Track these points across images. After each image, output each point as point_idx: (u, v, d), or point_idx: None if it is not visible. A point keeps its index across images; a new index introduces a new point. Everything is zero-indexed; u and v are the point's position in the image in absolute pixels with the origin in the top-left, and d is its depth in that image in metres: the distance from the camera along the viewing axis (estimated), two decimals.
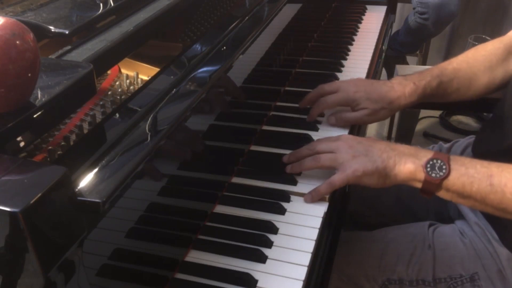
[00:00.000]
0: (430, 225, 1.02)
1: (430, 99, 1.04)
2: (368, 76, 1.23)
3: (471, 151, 1.10)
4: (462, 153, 1.15)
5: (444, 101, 1.08)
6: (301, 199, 0.86)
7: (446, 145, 1.20)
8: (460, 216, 1.04)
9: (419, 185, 0.81)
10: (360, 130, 1.10)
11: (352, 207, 1.12)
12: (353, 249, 0.99)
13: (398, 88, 1.00)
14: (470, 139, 1.15)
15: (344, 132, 1.02)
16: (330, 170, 0.86)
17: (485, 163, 0.79)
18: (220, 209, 0.85)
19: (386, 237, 1.02)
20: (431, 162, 0.80)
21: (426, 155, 0.81)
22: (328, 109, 1.06)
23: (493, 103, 1.05)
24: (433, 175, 0.79)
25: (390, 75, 2.40)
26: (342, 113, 1.04)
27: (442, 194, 0.81)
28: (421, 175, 0.80)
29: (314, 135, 1.01)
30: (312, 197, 0.85)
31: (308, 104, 1.06)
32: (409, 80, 1.01)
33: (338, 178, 0.83)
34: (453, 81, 1.03)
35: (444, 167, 0.79)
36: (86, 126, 0.64)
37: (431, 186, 0.80)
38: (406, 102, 1.00)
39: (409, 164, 0.81)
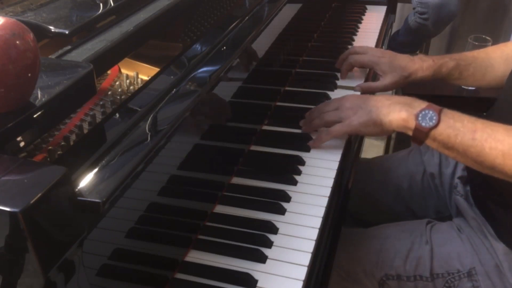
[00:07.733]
0: (428, 223, 1.03)
1: (447, 79, 1.13)
2: (368, 75, 1.23)
3: None
4: None
5: (462, 84, 1.17)
6: (301, 199, 0.86)
7: None
8: (459, 214, 1.04)
9: (410, 132, 0.86)
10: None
11: (352, 205, 1.13)
12: (352, 246, 1.00)
13: (417, 62, 1.11)
14: None
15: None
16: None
17: (473, 119, 0.84)
18: (220, 209, 0.85)
19: (384, 233, 1.03)
20: (423, 112, 0.84)
21: (420, 105, 0.86)
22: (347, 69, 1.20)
23: (493, 103, 1.05)
24: (423, 124, 0.84)
25: None
26: (367, 83, 1.17)
27: (429, 142, 0.86)
28: (413, 123, 0.85)
29: (314, 134, 1.01)
30: (314, 143, 0.96)
31: (341, 62, 1.21)
32: (430, 57, 1.13)
33: (335, 129, 0.93)
34: (470, 65, 1.11)
35: (434, 118, 0.84)
36: (86, 126, 0.64)
37: (420, 134, 0.85)
38: (423, 75, 1.10)
39: (403, 112, 0.86)
